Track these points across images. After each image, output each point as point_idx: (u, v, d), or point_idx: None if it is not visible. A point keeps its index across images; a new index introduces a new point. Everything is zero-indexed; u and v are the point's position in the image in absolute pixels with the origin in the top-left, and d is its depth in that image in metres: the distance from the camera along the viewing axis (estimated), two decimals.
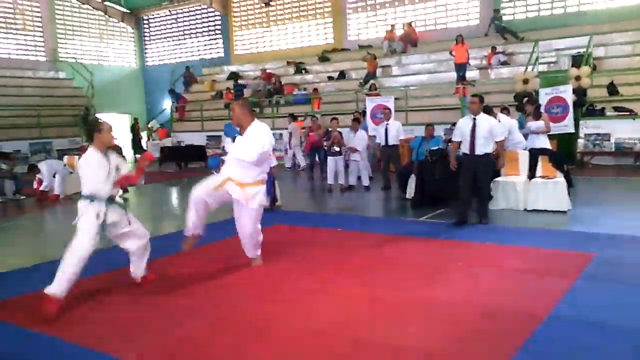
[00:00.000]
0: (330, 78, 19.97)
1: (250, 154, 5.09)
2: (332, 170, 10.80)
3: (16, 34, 23.04)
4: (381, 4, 21.03)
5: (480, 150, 7.09)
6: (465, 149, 7.24)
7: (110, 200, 4.71)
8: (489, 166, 7.31)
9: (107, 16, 26.32)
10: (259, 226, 5.57)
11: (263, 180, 5.42)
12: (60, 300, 4.41)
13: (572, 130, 12.34)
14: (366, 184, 11.00)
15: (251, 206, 5.31)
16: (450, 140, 9.45)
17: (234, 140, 5.28)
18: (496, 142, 7.19)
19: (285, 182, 12.44)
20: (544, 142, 8.77)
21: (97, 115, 21.94)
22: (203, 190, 5.27)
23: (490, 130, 7.09)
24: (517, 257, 5.64)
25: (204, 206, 5.31)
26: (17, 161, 13.28)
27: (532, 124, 8.84)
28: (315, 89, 18.87)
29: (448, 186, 8.37)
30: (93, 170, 4.61)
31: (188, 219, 5.37)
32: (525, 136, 9.04)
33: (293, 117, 16.33)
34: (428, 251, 6.09)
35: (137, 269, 5.10)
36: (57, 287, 4.41)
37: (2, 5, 22.55)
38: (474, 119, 7.14)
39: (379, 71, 18.73)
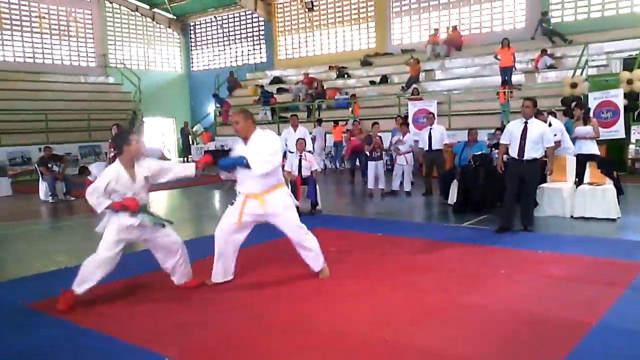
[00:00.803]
0: (372, 82, 19.93)
1: (264, 164, 4.83)
2: (373, 175, 10.77)
3: (69, 41, 23.95)
4: (425, 7, 20.88)
5: (529, 155, 6.92)
6: (513, 153, 7.07)
7: (142, 210, 4.73)
8: (536, 172, 7.14)
9: (154, 23, 27.06)
10: (304, 229, 5.26)
11: (279, 184, 5.11)
12: (74, 296, 4.63)
13: (623, 136, 11.93)
14: (408, 189, 10.92)
15: (278, 211, 5.05)
16: (494, 145, 9.31)
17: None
18: (546, 148, 7.02)
19: (326, 186, 12.47)
20: (592, 148, 8.52)
21: (144, 119, 22.63)
22: (225, 235, 5.09)
23: (541, 135, 6.92)
24: (563, 265, 5.49)
25: (232, 251, 5.16)
26: (68, 163, 13.75)
27: (580, 129, 8.60)
28: (353, 95, 18.89)
29: (491, 192, 8.24)
30: (99, 182, 4.71)
31: (215, 270, 5.16)
32: (573, 141, 8.80)
33: (319, 122, 16.93)
34: (470, 257, 5.98)
35: (177, 278, 5.11)
36: (76, 284, 4.66)
37: (58, 14, 23.49)
38: (526, 122, 6.98)
39: (422, 75, 18.58)
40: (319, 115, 19.00)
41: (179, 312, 4.49)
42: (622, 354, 3.45)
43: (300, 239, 5.23)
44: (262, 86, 22.70)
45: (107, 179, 4.66)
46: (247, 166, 4.82)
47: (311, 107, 19.37)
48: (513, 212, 7.18)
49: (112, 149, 7.28)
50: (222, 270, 5.20)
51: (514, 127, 7.14)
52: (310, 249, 5.26)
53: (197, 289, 5.09)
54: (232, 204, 5.13)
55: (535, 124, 7.01)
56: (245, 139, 5.01)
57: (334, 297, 4.78)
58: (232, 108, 22.50)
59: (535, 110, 7.15)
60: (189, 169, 5.13)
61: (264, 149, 4.86)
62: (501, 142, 7.45)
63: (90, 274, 4.66)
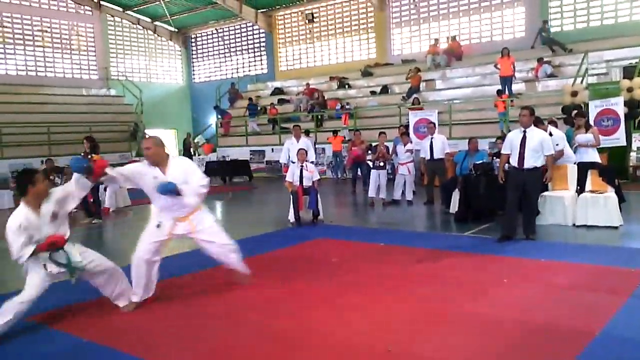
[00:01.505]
0: (373, 92, 20.00)
1: (198, 196, 4.92)
2: (376, 184, 10.79)
3: (71, 54, 24.11)
4: (425, 18, 20.98)
5: (529, 163, 6.92)
6: (514, 162, 7.08)
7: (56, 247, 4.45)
8: (537, 181, 7.12)
9: (156, 35, 27.24)
10: (227, 237, 5.29)
11: (199, 205, 5.06)
12: None
13: (624, 144, 11.92)
14: (409, 199, 10.93)
15: (204, 227, 5.10)
16: (495, 154, 9.32)
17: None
18: (546, 156, 7.02)
19: (328, 196, 12.47)
20: (592, 156, 8.52)
21: (145, 131, 22.66)
22: (145, 254, 4.93)
23: (541, 144, 6.93)
24: (565, 274, 5.47)
25: (148, 268, 4.96)
26: (70, 175, 13.76)
27: (580, 137, 8.61)
28: (342, 106, 19.02)
29: (493, 201, 8.23)
30: (13, 237, 4.28)
31: (134, 286, 4.97)
32: (575, 150, 8.81)
33: (306, 133, 16.79)
34: (472, 266, 5.97)
35: (123, 302, 4.91)
36: None
37: (60, 28, 23.66)
38: (524, 131, 6.99)
39: (422, 85, 18.63)
40: (321, 126, 19.05)
41: (179, 324, 4.47)
42: None
43: (229, 249, 5.27)
44: (250, 99, 22.96)
45: (16, 224, 4.28)
46: (178, 194, 4.81)
47: (315, 116, 19.42)
48: (515, 220, 7.16)
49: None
50: (140, 288, 5.00)
51: (514, 136, 7.15)
52: (232, 264, 5.34)
53: (197, 301, 5.08)
54: (158, 226, 4.99)
55: (535, 133, 7.02)
56: (159, 166, 4.89)
57: (336, 307, 4.77)
58: (233, 119, 22.59)
59: (532, 118, 7.15)
60: (84, 183, 4.79)
61: (192, 180, 4.88)
62: (502, 152, 7.45)
63: (10, 310, 4.32)
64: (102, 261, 4.77)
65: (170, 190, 4.77)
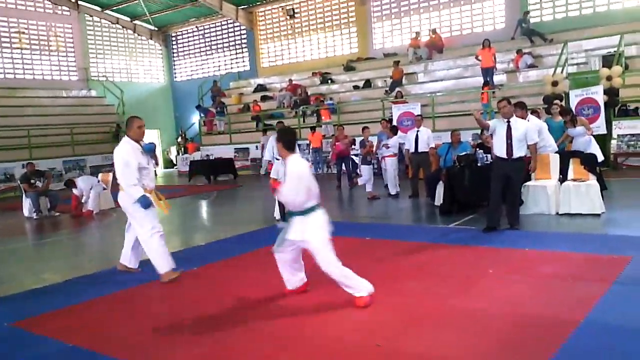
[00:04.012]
0: (356, 87, 20.01)
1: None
2: (369, 178, 10.87)
3: (49, 55, 23.78)
4: (406, 11, 21.02)
5: (516, 154, 6.97)
6: (500, 153, 7.08)
7: None
8: (522, 170, 7.19)
9: (136, 34, 26.97)
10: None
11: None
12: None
13: (604, 132, 12.07)
14: (393, 192, 10.99)
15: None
16: (478, 145, 9.40)
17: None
18: (529, 145, 7.07)
19: None
20: (589, 146, 8.78)
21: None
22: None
23: (525, 133, 6.98)
24: (549, 263, 5.52)
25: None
26: (52, 179, 13.61)
27: (572, 131, 8.83)
28: (322, 101, 19.08)
29: (477, 192, 8.28)
30: None
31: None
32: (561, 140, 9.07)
33: (264, 132, 18.28)
34: (457, 258, 6.00)
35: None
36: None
37: (37, 29, 23.32)
38: (508, 122, 7.01)
39: (404, 79, 18.68)
40: (304, 122, 19.02)
41: (168, 327, 4.44)
42: (609, 350, 3.47)
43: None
44: (213, 97, 23.28)
45: None
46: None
47: (298, 112, 19.39)
48: (499, 211, 7.21)
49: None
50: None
51: (498, 124, 7.13)
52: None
53: (186, 301, 5.05)
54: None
55: (519, 123, 7.06)
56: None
57: (325, 304, 4.76)
58: (216, 117, 22.49)
59: (512, 108, 7.16)
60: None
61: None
62: (487, 133, 7.56)
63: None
64: None
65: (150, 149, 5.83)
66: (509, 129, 6.98)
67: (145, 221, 5.67)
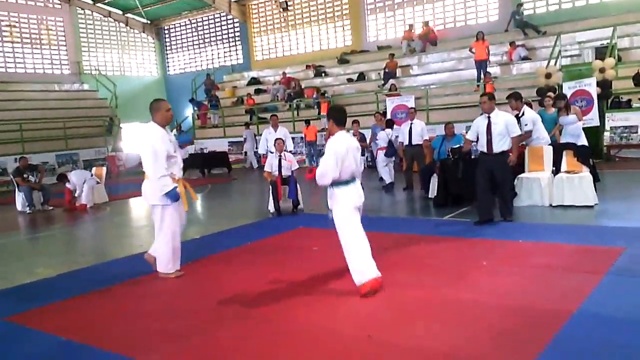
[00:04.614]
0: (349, 80, 19.97)
1: None
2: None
3: (41, 49, 23.60)
4: (399, 4, 20.98)
5: (497, 148, 6.94)
6: (482, 148, 7.09)
7: None
8: (506, 164, 7.11)
9: (128, 28, 26.81)
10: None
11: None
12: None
13: (597, 124, 12.11)
14: (388, 181, 11.00)
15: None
16: None
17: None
18: (512, 138, 6.99)
19: (307, 185, 12.45)
20: (578, 138, 8.75)
21: (121, 125, 22.43)
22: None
23: (506, 127, 6.91)
24: (543, 254, 5.55)
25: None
26: (45, 173, 13.54)
27: (564, 119, 8.80)
28: (323, 94, 18.99)
29: (471, 184, 8.28)
30: None
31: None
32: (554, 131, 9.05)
33: (247, 125, 18.55)
34: (452, 250, 6.02)
35: None
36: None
37: (29, 23, 23.13)
38: (489, 117, 6.99)
39: (398, 71, 18.66)
40: (298, 115, 18.99)
41: (163, 320, 4.44)
42: (602, 340, 3.49)
43: None
44: (207, 90, 23.34)
45: None
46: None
47: (292, 105, 19.34)
48: (490, 204, 7.19)
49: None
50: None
51: (480, 122, 7.11)
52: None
53: (179, 295, 5.05)
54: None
55: (499, 117, 6.96)
56: None
57: (317, 295, 4.77)
58: (210, 110, 22.41)
59: (493, 103, 7.05)
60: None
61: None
62: (467, 137, 7.50)
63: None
64: None
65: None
66: (489, 124, 6.94)
67: (165, 224, 5.46)
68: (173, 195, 5.30)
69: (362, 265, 4.66)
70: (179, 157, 5.63)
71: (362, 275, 4.63)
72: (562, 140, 8.97)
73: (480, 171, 7.11)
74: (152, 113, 5.47)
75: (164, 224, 5.44)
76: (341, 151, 4.65)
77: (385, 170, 11.03)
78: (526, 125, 8.26)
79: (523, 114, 8.36)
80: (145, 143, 5.34)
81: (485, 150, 7.05)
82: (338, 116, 4.91)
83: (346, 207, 4.72)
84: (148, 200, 5.52)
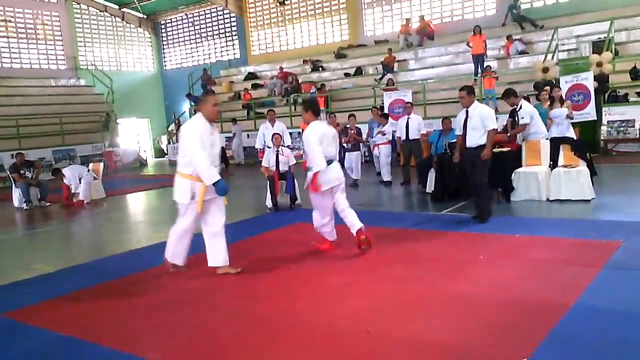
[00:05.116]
0: (347, 74, 19.94)
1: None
2: (347, 166, 10.90)
3: (37, 44, 23.48)
4: None
5: (471, 142, 6.78)
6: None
7: None
8: (480, 159, 6.75)
9: (124, 22, 26.69)
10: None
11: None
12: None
13: (595, 118, 12.12)
14: (387, 179, 11.00)
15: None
16: None
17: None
18: (487, 132, 6.71)
19: (304, 180, 12.45)
20: (567, 130, 8.66)
21: (118, 120, 22.37)
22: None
23: (481, 120, 6.70)
24: (540, 248, 5.56)
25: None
26: (42, 169, 13.52)
27: (555, 112, 8.74)
28: (319, 88, 18.92)
29: (468, 179, 8.29)
30: None
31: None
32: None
33: (234, 121, 18.76)
34: (449, 244, 6.03)
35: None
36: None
37: (24, 17, 23.01)
38: (467, 111, 6.86)
39: (395, 65, 18.63)
40: (295, 110, 18.95)
41: (161, 316, 4.43)
42: (599, 333, 3.51)
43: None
44: (204, 85, 23.24)
45: None
46: None
47: (289, 99, 19.30)
48: (489, 198, 7.18)
49: None
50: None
51: (460, 117, 7.01)
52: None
53: (175, 290, 5.05)
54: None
55: (476, 110, 6.80)
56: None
57: (316, 290, 4.79)
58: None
59: (472, 97, 6.88)
60: None
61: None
62: (457, 132, 7.42)
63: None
64: None
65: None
66: (466, 118, 6.85)
67: (186, 217, 5.29)
68: (223, 186, 5.01)
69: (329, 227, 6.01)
70: (217, 156, 5.29)
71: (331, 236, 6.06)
72: (550, 133, 8.87)
73: (467, 166, 6.98)
74: (200, 105, 5.29)
75: (187, 216, 5.27)
76: (318, 135, 5.70)
77: (388, 167, 11.02)
78: (522, 118, 8.25)
79: (520, 107, 8.36)
80: (188, 131, 5.06)
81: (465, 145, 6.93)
82: (314, 108, 5.92)
83: (318, 184, 5.70)
84: (179, 198, 5.25)
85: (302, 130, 17.05)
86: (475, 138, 6.77)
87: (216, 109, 5.23)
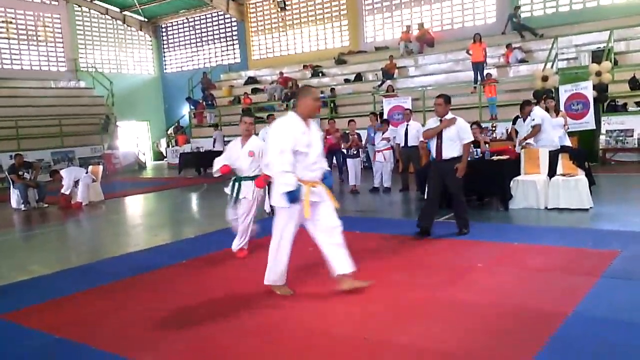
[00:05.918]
0: (347, 80, 19.98)
1: None
2: (353, 172, 10.91)
3: (38, 45, 23.49)
4: (397, 5, 20.99)
5: (447, 154, 6.44)
6: (433, 153, 6.66)
7: None
8: (455, 172, 6.47)
9: (125, 25, 26.73)
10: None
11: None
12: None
13: (593, 127, 12.16)
14: (387, 185, 10.99)
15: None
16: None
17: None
18: (463, 145, 6.47)
19: None
20: (563, 140, 8.68)
21: (117, 123, 22.34)
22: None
23: (457, 132, 6.42)
24: (538, 256, 5.55)
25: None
26: (40, 170, 13.50)
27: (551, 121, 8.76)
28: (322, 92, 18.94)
29: (466, 186, 8.29)
30: None
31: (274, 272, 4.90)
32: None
33: (215, 126, 18.86)
34: (447, 252, 6.03)
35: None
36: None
37: (25, 19, 23.03)
38: (440, 120, 6.52)
39: (395, 72, 18.67)
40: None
41: (158, 319, 4.42)
42: (597, 341, 3.50)
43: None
44: (203, 90, 23.23)
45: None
46: None
47: (289, 104, 19.32)
48: (433, 211, 6.72)
49: None
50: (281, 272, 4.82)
51: (433, 123, 6.67)
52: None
53: (174, 295, 5.03)
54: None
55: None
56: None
57: (314, 297, 4.77)
58: (206, 109, 22.37)
59: (448, 107, 6.57)
60: None
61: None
62: (422, 138, 7.18)
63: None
64: None
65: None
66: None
67: (277, 226, 4.76)
68: (289, 196, 4.37)
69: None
70: (311, 156, 4.60)
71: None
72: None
73: (431, 177, 6.70)
74: (297, 100, 4.68)
75: (277, 224, 4.75)
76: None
77: (390, 173, 11.01)
78: (533, 120, 8.26)
79: (529, 114, 8.43)
80: (273, 131, 4.56)
81: (434, 156, 6.62)
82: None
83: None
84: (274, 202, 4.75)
85: None
86: (450, 150, 6.44)
87: (317, 104, 4.63)
